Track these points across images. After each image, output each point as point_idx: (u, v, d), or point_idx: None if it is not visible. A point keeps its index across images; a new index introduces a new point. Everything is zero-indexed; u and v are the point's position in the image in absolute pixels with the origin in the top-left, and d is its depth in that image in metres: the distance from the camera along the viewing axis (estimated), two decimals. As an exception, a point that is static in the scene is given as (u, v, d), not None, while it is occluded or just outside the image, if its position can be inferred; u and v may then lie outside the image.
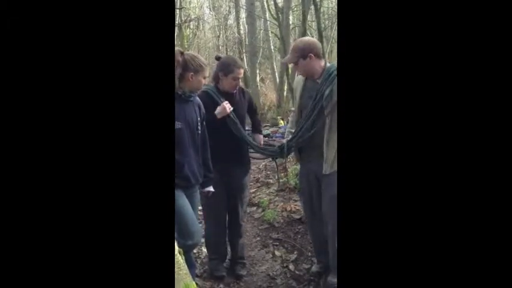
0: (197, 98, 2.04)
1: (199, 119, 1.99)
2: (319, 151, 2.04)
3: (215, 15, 13.38)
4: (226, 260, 2.46)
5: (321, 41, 6.89)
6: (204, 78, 1.96)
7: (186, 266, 1.58)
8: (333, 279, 2.07)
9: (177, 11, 9.78)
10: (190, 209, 1.91)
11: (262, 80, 11.31)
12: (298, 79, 2.22)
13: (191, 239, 1.89)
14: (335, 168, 1.96)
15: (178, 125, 1.87)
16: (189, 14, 11.83)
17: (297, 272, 2.41)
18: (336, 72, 2.00)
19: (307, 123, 2.07)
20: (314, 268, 2.33)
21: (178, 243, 1.88)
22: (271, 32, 10.47)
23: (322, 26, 7.06)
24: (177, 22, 9.70)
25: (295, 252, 2.60)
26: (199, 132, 1.99)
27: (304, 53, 2.03)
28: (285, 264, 2.50)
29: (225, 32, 13.13)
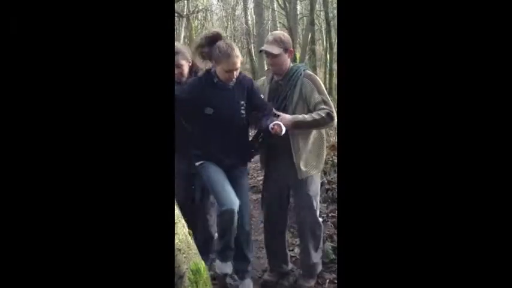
0: (245, 82, 1.94)
1: (243, 102, 1.92)
2: (288, 158, 1.94)
3: (223, 6, 13.34)
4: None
5: (329, 30, 6.88)
6: (226, 71, 1.83)
7: (195, 245, 1.65)
8: (306, 284, 2.06)
9: (185, 2, 9.78)
10: (218, 177, 1.90)
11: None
12: (262, 81, 2.11)
13: (225, 205, 1.85)
14: (309, 173, 1.93)
15: (209, 110, 1.86)
16: (197, 5, 11.83)
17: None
18: (297, 73, 1.91)
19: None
20: (266, 276, 2.20)
21: (219, 212, 1.89)
22: (279, 22, 10.44)
23: (330, 15, 7.02)
24: (185, 13, 9.72)
25: (301, 237, 2.66)
26: (244, 115, 1.94)
27: (288, 46, 1.91)
28: (290, 248, 2.56)
29: (233, 23, 13.11)
